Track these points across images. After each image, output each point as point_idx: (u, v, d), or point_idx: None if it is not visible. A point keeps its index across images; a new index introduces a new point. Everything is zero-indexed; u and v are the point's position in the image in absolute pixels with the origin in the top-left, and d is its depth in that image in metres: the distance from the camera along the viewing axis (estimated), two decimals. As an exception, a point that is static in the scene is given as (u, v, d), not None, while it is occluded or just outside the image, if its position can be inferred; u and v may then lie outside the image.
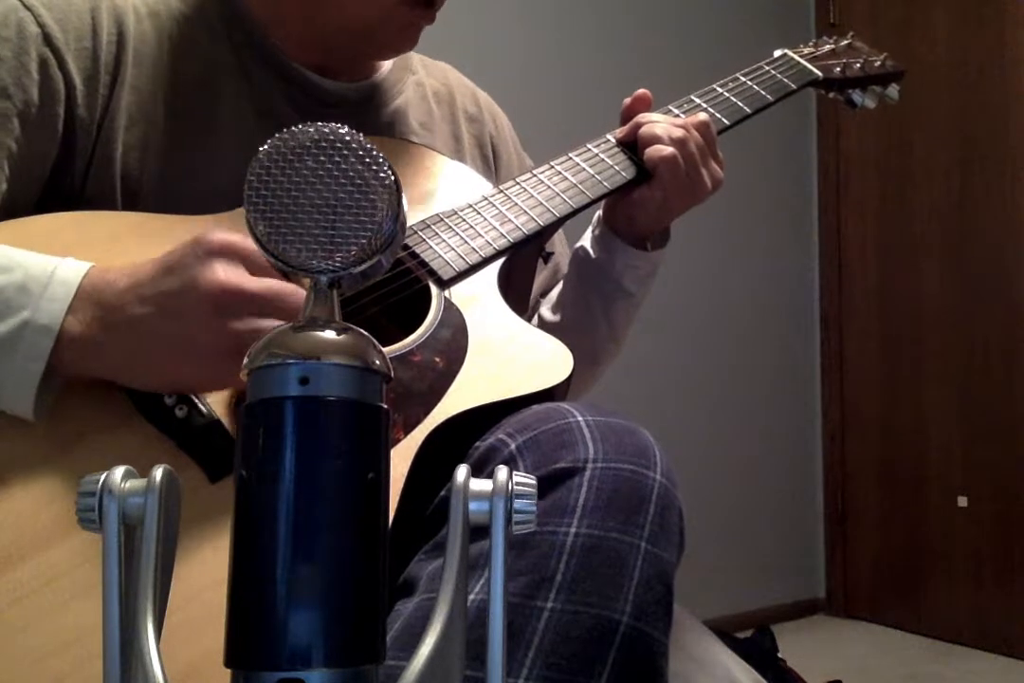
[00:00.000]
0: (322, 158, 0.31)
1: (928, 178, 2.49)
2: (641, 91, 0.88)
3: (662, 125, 0.82)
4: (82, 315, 0.57)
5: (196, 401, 0.60)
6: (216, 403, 0.61)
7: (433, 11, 0.77)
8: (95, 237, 0.66)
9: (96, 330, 0.57)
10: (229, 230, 0.58)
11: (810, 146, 2.77)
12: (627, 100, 0.88)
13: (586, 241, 0.88)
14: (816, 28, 2.70)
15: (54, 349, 0.56)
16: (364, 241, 0.31)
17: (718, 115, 0.88)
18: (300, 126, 0.32)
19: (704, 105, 0.89)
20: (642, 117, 0.84)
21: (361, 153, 0.31)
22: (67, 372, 0.58)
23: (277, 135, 0.32)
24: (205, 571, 0.53)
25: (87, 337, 0.57)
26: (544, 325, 0.88)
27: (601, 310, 0.87)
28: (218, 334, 0.55)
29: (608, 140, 0.85)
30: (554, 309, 0.90)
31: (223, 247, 0.56)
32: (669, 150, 0.80)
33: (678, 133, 0.81)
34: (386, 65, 0.87)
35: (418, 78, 0.90)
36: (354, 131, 0.32)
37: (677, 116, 0.87)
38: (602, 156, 0.84)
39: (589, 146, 0.85)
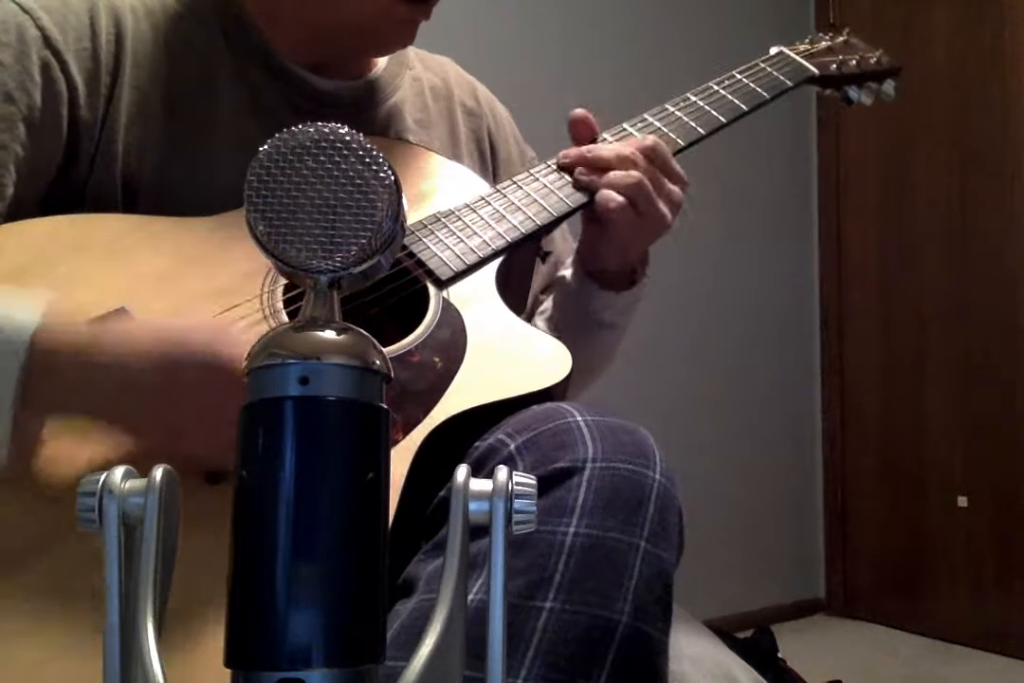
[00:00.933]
0: (322, 158, 0.31)
1: (928, 178, 2.48)
2: (576, 113, 0.83)
3: (609, 161, 0.78)
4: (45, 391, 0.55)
5: None
6: None
7: (429, 7, 0.77)
8: (95, 240, 0.66)
9: (74, 394, 0.56)
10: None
11: (810, 146, 2.77)
12: (569, 120, 0.84)
13: (567, 272, 0.87)
14: (816, 28, 2.70)
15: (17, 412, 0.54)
16: (364, 241, 0.31)
17: (715, 113, 0.87)
18: (300, 126, 0.32)
19: (701, 103, 0.88)
20: (589, 155, 0.80)
21: (361, 153, 0.31)
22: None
23: (277, 135, 0.32)
24: (204, 572, 0.53)
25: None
26: None
27: (584, 339, 0.85)
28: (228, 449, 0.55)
29: (605, 139, 0.85)
30: (548, 324, 0.90)
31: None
32: (617, 201, 0.77)
33: (631, 181, 0.77)
34: (381, 62, 0.87)
35: (415, 73, 0.90)
36: (354, 131, 0.32)
37: (676, 116, 0.86)
38: None
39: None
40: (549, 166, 0.83)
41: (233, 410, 0.53)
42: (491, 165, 0.92)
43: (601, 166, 0.79)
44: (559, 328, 0.87)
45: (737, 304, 2.55)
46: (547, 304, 0.91)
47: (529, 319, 0.90)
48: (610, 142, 0.83)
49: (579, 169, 0.80)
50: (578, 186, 0.81)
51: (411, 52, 0.91)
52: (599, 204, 0.78)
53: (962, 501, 2.40)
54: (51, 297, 0.57)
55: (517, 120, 0.99)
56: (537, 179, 0.81)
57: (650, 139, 0.80)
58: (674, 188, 0.80)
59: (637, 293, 0.85)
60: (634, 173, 0.77)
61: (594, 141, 0.84)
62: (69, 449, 0.58)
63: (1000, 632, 2.30)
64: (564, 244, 0.95)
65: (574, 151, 0.82)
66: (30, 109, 0.67)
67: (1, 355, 0.54)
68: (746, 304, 2.57)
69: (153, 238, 0.68)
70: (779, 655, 1.88)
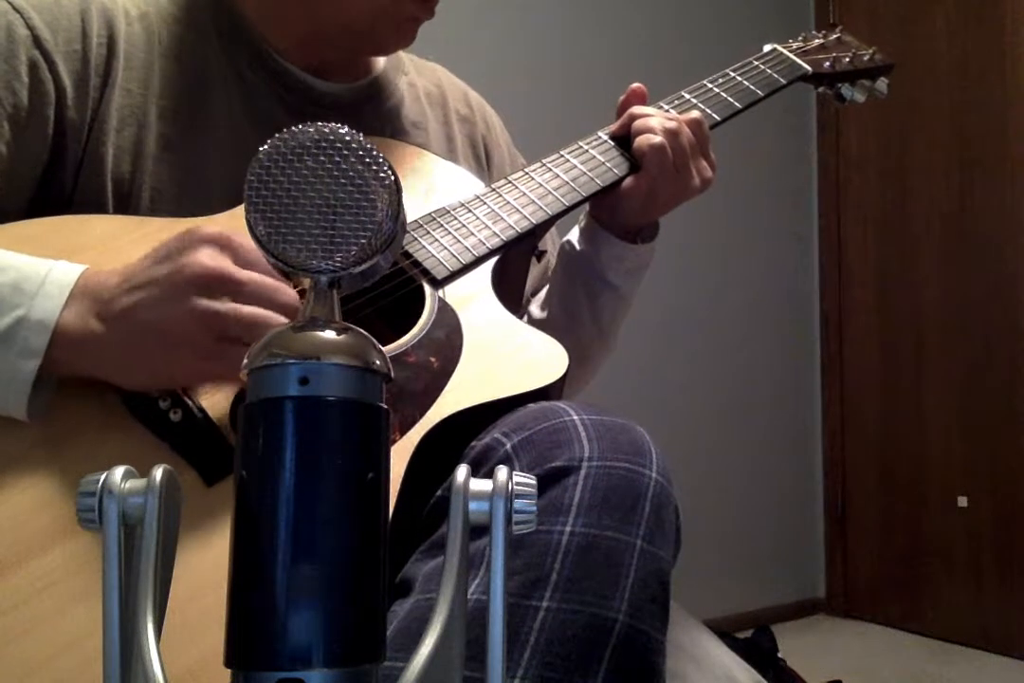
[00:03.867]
0: (322, 158, 0.31)
1: (928, 178, 2.48)
2: (636, 85, 0.88)
3: (656, 118, 0.83)
4: (77, 311, 0.57)
5: (191, 404, 0.60)
6: (211, 406, 0.61)
7: (432, 5, 0.77)
8: (87, 241, 0.66)
9: (91, 325, 0.57)
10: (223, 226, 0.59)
11: (810, 146, 2.77)
12: (622, 96, 0.88)
13: (573, 235, 0.88)
14: (816, 26, 2.70)
15: (49, 346, 0.56)
16: (364, 241, 0.31)
17: (709, 111, 0.88)
18: (300, 126, 0.32)
19: (695, 101, 0.89)
20: (635, 110, 0.85)
21: (361, 153, 0.31)
22: (62, 370, 0.58)
23: (277, 135, 0.32)
24: (203, 574, 0.53)
25: (82, 333, 0.57)
26: (532, 322, 0.88)
27: (586, 305, 0.87)
28: (198, 316, 0.55)
29: (599, 137, 0.86)
30: (542, 306, 0.90)
31: (213, 236, 0.57)
32: (658, 139, 0.81)
33: (670, 125, 0.82)
34: (378, 66, 0.87)
35: (410, 79, 0.90)
36: (354, 131, 0.32)
37: (668, 112, 0.87)
38: (594, 153, 0.84)
39: (581, 143, 0.85)
40: (544, 164, 0.83)
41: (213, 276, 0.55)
42: (487, 170, 0.92)
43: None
44: (560, 301, 0.87)
45: (737, 303, 2.55)
46: (540, 293, 0.91)
47: (521, 317, 0.91)
48: None
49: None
50: (575, 183, 0.81)
51: (405, 58, 0.91)
52: (639, 143, 0.81)
53: (962, 501, 2.40)
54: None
55: (516, 120, 0.99)
56: (533, 178, 0.81)
57: (696, 113, 0.85)
58: (705, 163, 0.84)
59: (644, 254, 0.86)
60: (673, 123, 0.82)
61: None
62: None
63: (1000, 632, 2.29)
64: (555, 249, 0.95)
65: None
66: (15, 108, 0.67)
67: (47, 296, 0.57)
68: (746, 304, 2.57)
69: (148, 238, 0.67)
70: (779, 655, 1.88)
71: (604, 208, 0.85)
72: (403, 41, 0.81)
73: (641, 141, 0.81)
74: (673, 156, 0.81)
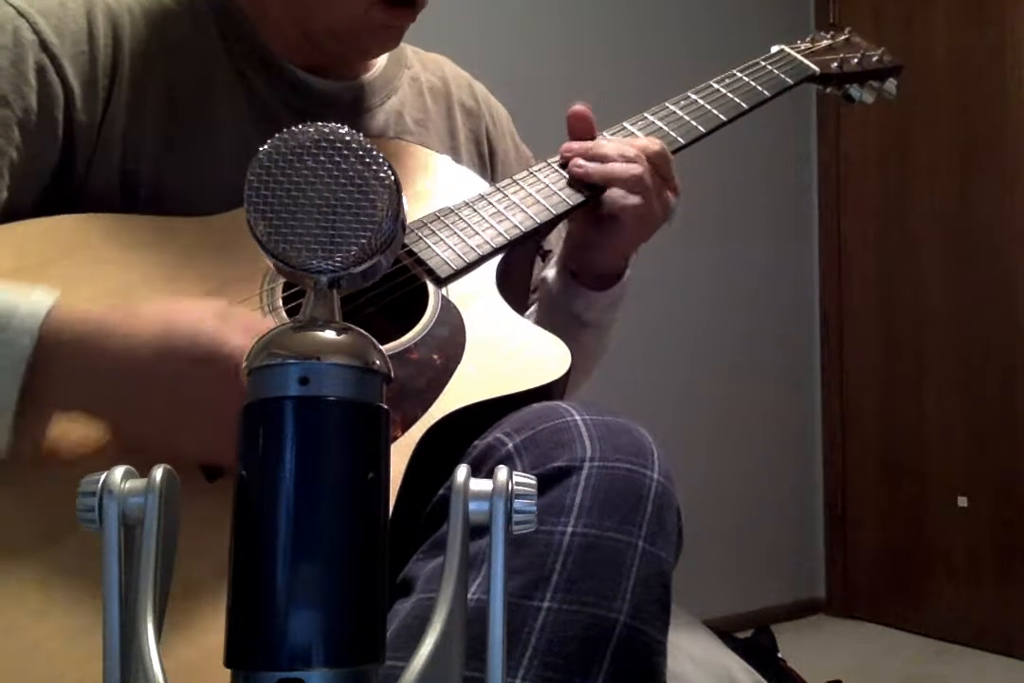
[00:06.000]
0: (322, 158, 0.31)
1: (928, 178, 2.48)
2: (577, 109, 0.82)
3: (611, 158, 0.78)
4: (50, 358, 0.56)
5: None
6: None
7: (414, 11, 0.77)
8: (92, 240, 0.66)
9: (75, 387, 0.57)
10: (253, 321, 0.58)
11: (810, 146, 2.77)
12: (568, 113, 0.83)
13: (550, 272, 0.87)
14: (816, 27, 2.70)
15: (21, 400, 0.55)
16: (364, 241, 0.31)
17: (715, 111, 0.88)
18: (300, 126, 0.32)
19: (702, 101, 0.88)
20: (591, 151, 0.80)
21: (361, 153, 0.32)
22: (46, 411, 0.58)
23: (277, 135, 0.32)
24: (202, 570, 0.53)
25: (62, 393, 0.57)
26: None
27: (570, 335, 0.86)
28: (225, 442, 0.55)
29: (604, 137, 0.85)
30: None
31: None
32: (635, 199, 0.77)
33: (633, 172, 0.77)
34: (379, 62, 0.87)
35: (413, 73, 0.90)
36: (354, 131, 0.32)
37: (676, 114, 0.86)
38: None
39: None
40: (550, 164, 0.83)
41: (232, 403, 0.54)
42: (489, 165, 0.92)
43: (603, 162, 0.79)
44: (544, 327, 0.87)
45: (737, 304, 2.55)
46: (533, 307, 0.91)
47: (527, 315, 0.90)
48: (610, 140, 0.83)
49: (575, 160, 0.80)
50: (578, 184, 0.80)
51: (408, 51, 0.91)
52: (611, 200, 0.77)
53: (962, 501, 2.40)
54: (60, 292, 0.58)
55: (517, 120, 0.99)
56: (538, 178, 0.81)
57: (656, 144, 0.80)
58: (669, 193, 0.80)
59: (620, 291, 0.85)
60: (636, 167, 0.77)
61: (592, 138, 0.83)
62: (70, 444, 0.58)
63: (1000, 632, 2.30)
64: (560, 243, 0.95)
65: (576, 145, 0.81)
66: (25, 112, 0.67)
67: (9, 344, 0.55)
68: (746, 304, 2.57)
69: (152, 238, 0.68)
70: (779, 655, 1.88)
71: (576, 261, 0.83)
72: (383, 47, 0.81)
73: (617, 199, 0.77)
74: (645, 206, 0.77)
